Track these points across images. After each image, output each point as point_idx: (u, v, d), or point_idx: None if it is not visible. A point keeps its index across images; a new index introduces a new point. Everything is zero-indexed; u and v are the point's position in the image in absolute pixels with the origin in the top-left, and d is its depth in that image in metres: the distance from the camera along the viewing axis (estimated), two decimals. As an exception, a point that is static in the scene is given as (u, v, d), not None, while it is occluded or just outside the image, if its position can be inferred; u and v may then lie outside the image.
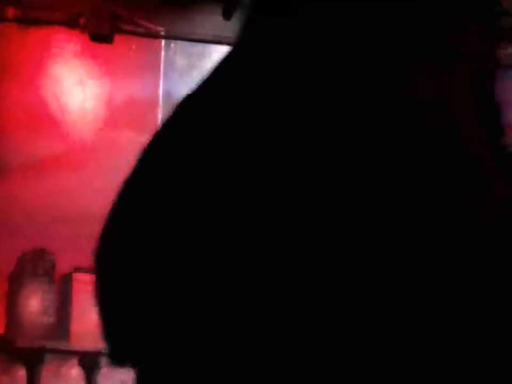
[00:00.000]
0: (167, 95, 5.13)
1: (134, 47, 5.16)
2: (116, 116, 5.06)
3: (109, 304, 0.79)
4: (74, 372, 4.55)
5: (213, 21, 5.22)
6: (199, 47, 5.24)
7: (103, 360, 4.44)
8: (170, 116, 0.85)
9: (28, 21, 5.07)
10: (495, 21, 0.77)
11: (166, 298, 0.75)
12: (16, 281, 4.71)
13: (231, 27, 5.04)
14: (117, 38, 5.11)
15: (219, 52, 5.12)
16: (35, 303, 4.66)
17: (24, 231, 4.76)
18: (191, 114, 0.84)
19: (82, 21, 5.06)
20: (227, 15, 5.19)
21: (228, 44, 4.96)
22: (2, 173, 4.87)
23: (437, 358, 0.71)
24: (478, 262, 0.71)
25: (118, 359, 0.80)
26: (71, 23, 5.07)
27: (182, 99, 0.86)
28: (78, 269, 4.66)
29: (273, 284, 0.73)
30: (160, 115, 5.07)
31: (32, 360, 4.51)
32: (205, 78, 0.85)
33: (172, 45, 5.22)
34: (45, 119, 4.99)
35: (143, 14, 5.13)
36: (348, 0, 0.80)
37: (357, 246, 0.72)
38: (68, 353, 4.62)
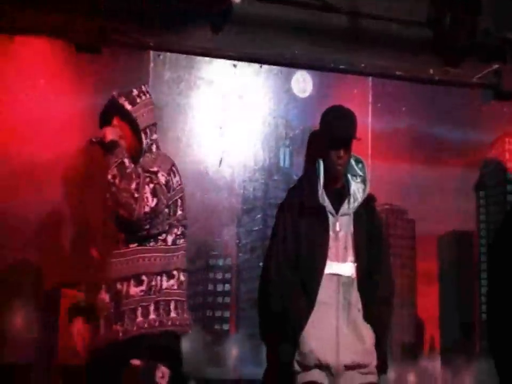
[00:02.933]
0: (156, 108, 5.16)
1: (122, 58, 5.12)
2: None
3: None
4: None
5: (202, 34, 5.18)
6: (188, 59, 5.22)
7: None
8: None
9: (13, 30, 4.97)
10: None
11: None
12: (-1, 295, 4.91)
13: (219, 41, 5.05)
14: (105, 49, 5.06)
15: (209, 65, 5.14)
16: (19, 319, 4.90)
17: (8, 243, 4.92)
18: None
19: (69, 31, 4.98)
20: (215, 29, 5.16)
21: (216, 57, 5.01)
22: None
23: None
24: None
25: None
26: (57, 33, 4.98)
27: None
28: (65, 284, 4.90)
29: None
30: (147, 126, 5.14)
31: (18, 377, 4.81)
32: None
33: (161, 56, 5.18)
34: (31, 132, 5.02)
35: (131, 25, 5.05)
36: None
37: None
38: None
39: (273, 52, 5.15)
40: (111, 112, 3.98)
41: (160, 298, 3.61)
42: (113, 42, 5.07)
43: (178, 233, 3.75)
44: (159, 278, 3.63)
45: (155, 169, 3.65)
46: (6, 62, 4.98)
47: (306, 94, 5.15)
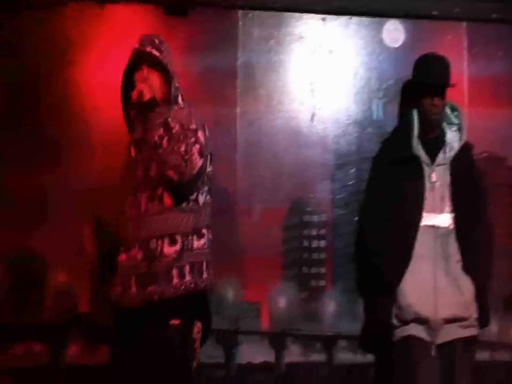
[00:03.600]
0: (245, 65, 5.16)
1: (211, 18, 5.11)
2: (194, 89, 5.12)
3: None
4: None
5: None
6: (277, 16, 5.16)
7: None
8: None
9: (102, -2, 5.03)
10: None
11: None
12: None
13: (308, -5, 4.98)
14: (193, 11, 5.05)
15: (297, 20, 5.07)
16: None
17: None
18: None
19: (157, -5, 5.00)
20: (304, -16, 5.07)
21: (304, 12, 4.93)
22: (87, 150, 5.05)
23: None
24: None
25: None
26: (144, -2, 5.01)
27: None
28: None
29: None
30: (239, 86, 5.12)
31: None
32: None
33: (249, 15, 5.14)
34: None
35: (219, -15, 5.03)
36: None
37: None
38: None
39: (362, 3, 5.03)
40: (135, 64, 3.74)
41: (194, 259, 3.55)
42: (201, 4, 5.06)
43: (207, 189, 3.67)
44: (190, 237, 3.57)
45: (194, 126, 3.54)
46: (96, 30, 5.04)
47: (398, 44, 5.02)
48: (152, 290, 3.50)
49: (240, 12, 5.14)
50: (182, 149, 3.45)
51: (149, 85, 3.65)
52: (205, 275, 3.60)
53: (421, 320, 3.96)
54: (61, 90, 5.09)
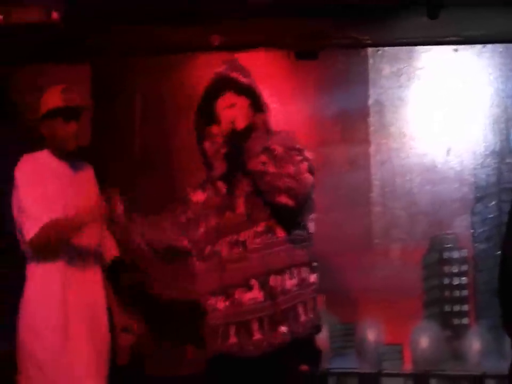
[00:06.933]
0: (377, 103, 5.09)
1: (340, 59, 5.08)
2: (327, 130, 5.09)
3: None
4: None
5: (418, 22, 5.00)
6: (406, 51, 5.07)
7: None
8: None
9: (233, 46, 5.07)
10: None
11: None
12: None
13: (438, 26, 4.85)
14: (322, 52, 5.03)
15: (427, 53, 4.97)
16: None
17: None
18: None
19: (286, 40, 5.01)
20: (432, 15, 4.94)
21: (435, 44, 4.82)
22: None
23: None
24: None
25: None
26: (275, 44, 5.02)
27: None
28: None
29: None
30: (371, 124, 5.05)
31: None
32: None
33: (379, 52, 5.08)
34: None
35: (346, 25, 4.99)
36: None
37: None
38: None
39: (496, 29, 4.87)
40: (218, 90, 3.40)
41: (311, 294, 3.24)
42: (332, 45, 5.04)
43: (314, 217, 3.35)
44: (305, 268, 3.24)
45: (299, 146, 3.20)
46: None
47: (535, 69, 4.84)
48: (284, 331, 3.14)
49: (369, 50, 5.08)
50: (291, 169, 3.09)
51: (240, 111, 3.34)
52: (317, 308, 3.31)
53: None
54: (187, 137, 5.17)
